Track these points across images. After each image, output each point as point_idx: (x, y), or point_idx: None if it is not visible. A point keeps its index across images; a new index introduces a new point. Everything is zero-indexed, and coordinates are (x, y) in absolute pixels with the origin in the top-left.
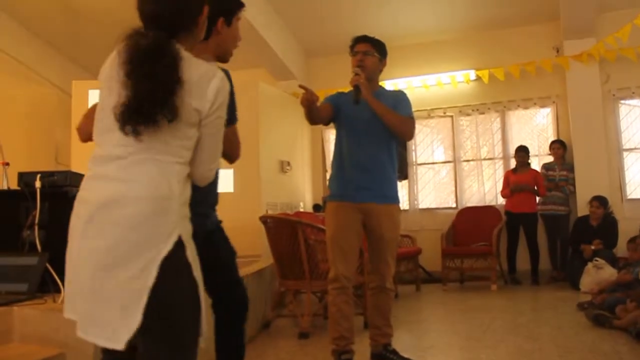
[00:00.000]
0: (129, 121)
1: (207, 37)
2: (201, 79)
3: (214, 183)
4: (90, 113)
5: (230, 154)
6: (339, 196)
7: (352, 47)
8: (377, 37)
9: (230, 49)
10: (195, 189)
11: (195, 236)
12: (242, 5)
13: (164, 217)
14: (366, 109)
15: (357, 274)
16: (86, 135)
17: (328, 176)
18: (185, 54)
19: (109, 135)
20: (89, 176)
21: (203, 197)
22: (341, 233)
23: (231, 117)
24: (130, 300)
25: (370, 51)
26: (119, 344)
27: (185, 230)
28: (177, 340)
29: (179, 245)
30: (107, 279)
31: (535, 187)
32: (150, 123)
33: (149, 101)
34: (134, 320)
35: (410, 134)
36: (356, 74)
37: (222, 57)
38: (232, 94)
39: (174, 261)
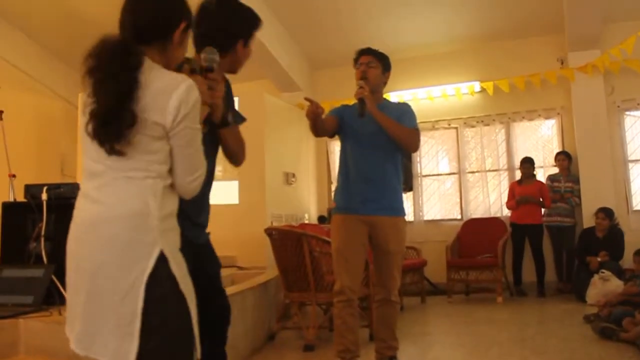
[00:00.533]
0: (103, 140)
1: (225, 52)
2: (161, 92)
3: (207, 193)
4: None
5: (235, 156)
6: (345, 209)
7: (355, 59)
8: (382, 49)
9: (243, 63)
10: (193, 199)
11: (191, 246)
12: (259, 24)
13: (142, 235)
14: (371, 121)
15: (362, 286)
16: None
17: (333, 188)
18: (150, 63)
19: (87, 152)
20: (79, 193)
21: (202, 207)
22: (347, 245)
23: (236, 118)
24: (123, 324)
25: (373, 62)
26: None
27: (167, 243)
28: (171, 355)
29: (162, 260)
30: (99, 302)
31: (541, 199)
32: (120, 137)
33: (111, 107)
34: (133, 344)
35: (415, 146)
36: (360, 87)
37: (232, 71)
38: (229, 96)
39: (158, 278)
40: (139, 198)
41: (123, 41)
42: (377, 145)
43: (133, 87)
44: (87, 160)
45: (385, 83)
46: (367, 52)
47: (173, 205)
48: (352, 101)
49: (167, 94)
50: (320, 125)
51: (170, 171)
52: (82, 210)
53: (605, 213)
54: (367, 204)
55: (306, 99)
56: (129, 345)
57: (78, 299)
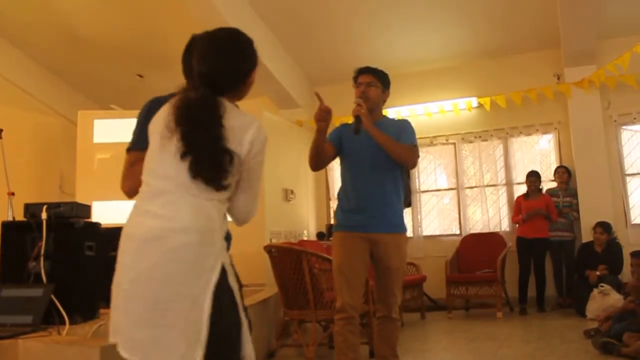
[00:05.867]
0: (211, 179)
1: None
2: (239, 128)
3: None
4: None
5: None
6: (346, 226)
7: (355, 78)
8: (379, 66)
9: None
10: None
11: None
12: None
13: (210, 248)
14: (369, 140)
15: (362, 302)
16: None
17: (332, 204)
18: (228, 105)
19: (155, 172)
20: (135, 213)
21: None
22: (347, 262)
23: None
24: (191, 331)
25: (374, 82)
26: None
27: (226, 258)
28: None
29: (223, 272)
30: (168, 309)
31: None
32: (227, 174)
33: (209, 150)
34: (200, 351)
35: (412, 162)
36: (358, 105)
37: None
38: None
39: (221, 289)
40: (206, 214)
41: (210, 97)
42: (377, 163)
43: (221, 130)
44: (153, 181)
45: (384, 101)
46: (367, 71)
47: (226, 226)
48: (352, 119)
49: (244, 130)
50: (322, 154)
51: (228, 199)
52: (141, 225)
53: (604, 227)
54: (368, 222)
55: (316, 94)
56: (197, 351)
57: (137, 308)
